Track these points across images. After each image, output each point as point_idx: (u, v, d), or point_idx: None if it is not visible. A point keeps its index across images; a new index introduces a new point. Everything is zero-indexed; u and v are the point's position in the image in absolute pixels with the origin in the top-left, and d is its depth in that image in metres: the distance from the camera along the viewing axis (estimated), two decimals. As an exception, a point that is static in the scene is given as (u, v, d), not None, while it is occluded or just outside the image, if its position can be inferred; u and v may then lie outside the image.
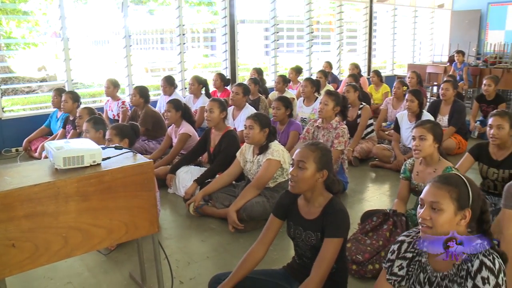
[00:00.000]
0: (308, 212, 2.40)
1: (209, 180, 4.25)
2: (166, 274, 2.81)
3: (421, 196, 1.86)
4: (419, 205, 1.87)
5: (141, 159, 2.43)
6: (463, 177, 1.88)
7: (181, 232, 3.90)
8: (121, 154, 2.47)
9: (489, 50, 10.87)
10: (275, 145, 3.87)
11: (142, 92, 5.88)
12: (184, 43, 7.91)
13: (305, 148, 2.37)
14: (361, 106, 5.90)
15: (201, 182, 4.24)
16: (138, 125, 4.06)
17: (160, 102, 6.87)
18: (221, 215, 3.94)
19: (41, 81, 12.46)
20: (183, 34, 7.89)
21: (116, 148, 2.56)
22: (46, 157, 2.52)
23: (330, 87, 7.62)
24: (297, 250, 2.53)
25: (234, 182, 4.25)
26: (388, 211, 3.31)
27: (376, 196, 4.68)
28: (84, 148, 2.27)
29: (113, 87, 6.41)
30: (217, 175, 4.28)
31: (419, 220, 1.85)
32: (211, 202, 4.09)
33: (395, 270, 2.03)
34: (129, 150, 2.52)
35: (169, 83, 6.66)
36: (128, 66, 7.37)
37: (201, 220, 4.04)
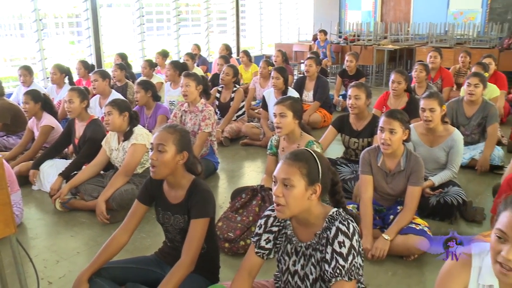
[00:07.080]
0: (174, 196, 2.40)
1: (76, 172, 4.06)
2: (33, 277, 2.66)
3: (274, 173, 1.90)
4: (273, 182, 1.90)
5: (-11, 156, 2.25)
6: (313, 153, 1.93)
7: (48, 229, 3.70)
8: (-35, 153, 2.27)
9: (349, 29, 11.57)
10: (139, 129, 3.81)
11: (-6, 85, 5.39)
12: (42, 29, 7.43)
13: (163, 131, 2.34)
14: (234, 88, 5.97)
15: (66, 175, 4.03)
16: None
17: (16, 94, 6.38)
18: (91, 208, 3.79)
19: None
20: (41, 20, 7.40)
21: (-41, 147, 2.35)
22: None
23: (199, 69, 7.62)
24: (167, 235, 2.54)
25: (102, 172, 4.11)
26: (256, 187, 3.43)
27: (247, 174, 4.81)
28: None
29: (-41, 80, 5.82)
30: (84, 167, 4.11)
31: (274, 198, 1.88)
32: (79, 195, 3.93)
33: (263, 243, 2.08)
34: (-26, 148, 2.33)
35: (28, 72, 6.18)
36: (-22, 57, 6.76)
37: (70, 215, 3.87)
